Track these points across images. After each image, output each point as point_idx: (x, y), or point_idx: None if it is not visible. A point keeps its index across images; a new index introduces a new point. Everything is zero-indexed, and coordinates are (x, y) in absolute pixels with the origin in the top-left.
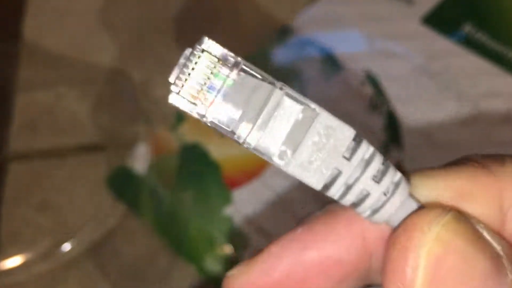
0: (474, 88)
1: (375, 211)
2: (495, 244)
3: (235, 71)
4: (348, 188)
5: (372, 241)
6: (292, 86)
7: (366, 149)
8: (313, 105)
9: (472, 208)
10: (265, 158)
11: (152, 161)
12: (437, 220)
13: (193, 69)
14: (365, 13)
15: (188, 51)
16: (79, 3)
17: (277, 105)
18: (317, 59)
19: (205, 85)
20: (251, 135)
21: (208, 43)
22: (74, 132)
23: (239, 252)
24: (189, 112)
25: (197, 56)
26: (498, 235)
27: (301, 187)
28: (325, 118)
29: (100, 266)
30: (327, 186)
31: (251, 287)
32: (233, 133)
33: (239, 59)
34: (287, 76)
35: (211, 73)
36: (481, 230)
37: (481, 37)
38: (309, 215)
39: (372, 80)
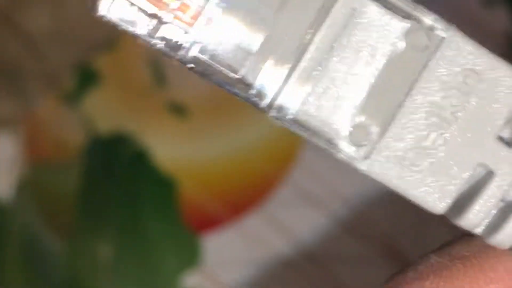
0: None
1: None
2: None
3: None
4: (509, 207)
5: None
6: None
7: None
8: (432, 19)
9: None
10: (319, 143)
11: (26, 173)
12: None
13: None
14: None
15: None
16: None
17: (348, 19)
18: None
19: None
20: (292, 89)
21: None
22: None
23: None
24: (145, 38)
25: None
26: None
27: (349, 228)
28: (462, 50)
29: None
30: (460, 207)
31: None
32: (246, 84)
33: None
34: None
35: None
36: None
37: None
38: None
39: None
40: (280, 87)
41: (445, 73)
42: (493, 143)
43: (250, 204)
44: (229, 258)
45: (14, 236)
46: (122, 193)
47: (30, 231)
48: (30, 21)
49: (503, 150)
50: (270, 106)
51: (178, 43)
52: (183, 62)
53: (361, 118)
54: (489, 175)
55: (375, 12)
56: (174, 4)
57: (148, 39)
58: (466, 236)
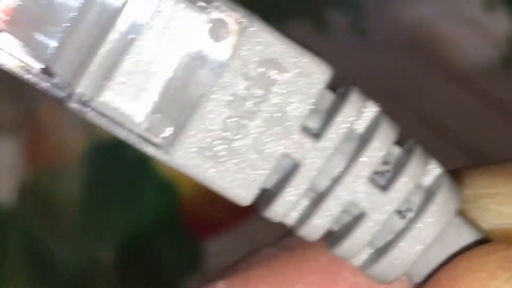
0: None
1: (380, 252)
2: None
3: None
4: (318, 199)
5: None
6: None
7: (359, 106)
8: (229, 9)
9: None
10: (120, 134)
11: (28, 177)
12: None
13: None
14: None
15: None
16: None
17: (149, 10)
18: None
19: None
20: (91, 78)
21: None
22: None
23: None
24: None
25: None
26: None
27: None
28: (263, 41)
29: None
30: (268, 197)
31: None
32: (48, 74)
33: None
34: None
35: None
36: None
37: None
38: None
39: None
40: (79, 76)
41: (245, 63)
42: (297, 134)
43: (252, 207)
44: (231, 261)
45: (16, 240)
46: (123, 197)
47: (32, 235)
48: None
49: (308, 140)
50: (70, 95)
51: None
52: None
53: (161, 107)
54: (295, 166)
55: (175, 3)
56: None
57: None
58: None
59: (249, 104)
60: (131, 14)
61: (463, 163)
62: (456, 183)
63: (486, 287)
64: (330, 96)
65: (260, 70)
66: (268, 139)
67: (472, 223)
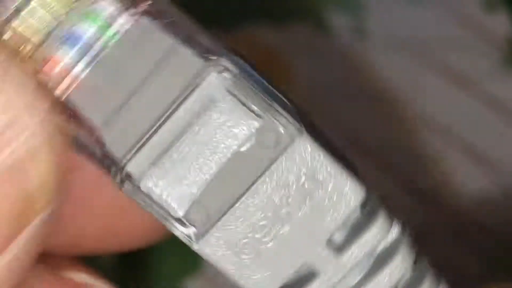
0: None
1: None
2: None
3: (130, 14)
4: None
5: None
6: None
7: (386, 228)
8: (284, 122)
9: None
10: (158, 216)
11: None
12: None
13: None
14: None
15: None
16: None
17: (204, 107)
18: None
19: (54, 30)
20: (140, 161)
21: None
22: None
23: None
24: None
25: None
26: None
27: None
28: (307, 154)
29: None
30: None
31: None
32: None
33: None
34: None
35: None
36: None
37: None
38: None
39: None
40: (131, 156)
41: (286, 174)
42: (322, 246)
43: None
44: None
45: None
46: None
47: None
48: None
49: (331, 253)
50: (119, 171)
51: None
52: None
53: (200, 201)
54: (312, 274)
55: (230, 103)
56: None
57: None
58: None
59: (282, 211)
60: (195, 101)
61: (463, 163)
62: (413, 245)
63: None
64: (358, 213)
65: (298, 181)
66: (294, 247)
67: None
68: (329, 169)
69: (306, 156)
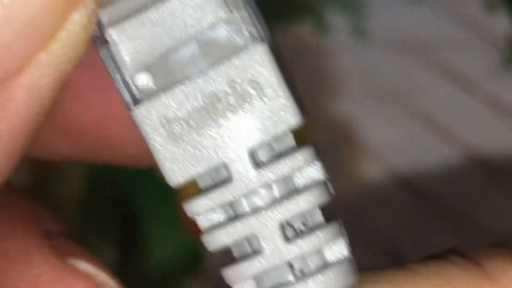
0: None
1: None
2: None
3: None
4: (231, 218)
5: None
6: None
7: (307, 162)
8: (252, 24)
9: None
10: (113, 78)
11: (29, 178)
12: None
13: None
14: None
15: None
16: None
17: None
18: None
19: None
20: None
21: None
22: None
23: None
24: None
25: None
26: None
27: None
28: (261, 63)
29: None
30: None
31: None
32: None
33: None
34: None
35: None
36: None
37: None
38: None
39: None
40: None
41: (235, 73)
42: (244, 153)
43: None
44: (231, 261)
45: None
46: (123, 197)
47: None
48: None
49: (249, 163)
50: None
51: None
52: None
53: (151, 69)
54: (229, 179)
55: None
56: None
57: None
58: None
59: (220, 107)
60: None
61: (462, 163)
62: (355, 272)
63: None
64: (290, 143)
65: (245, 84)
66: (219, 145)
67: None
68: (276, 86)
69: (260, 65)
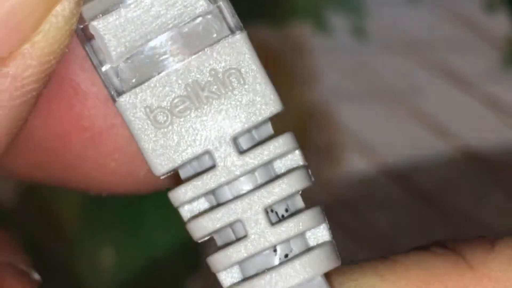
0: None
1: (247, 281)
2: None
3: None
4: (214, 206)
5: None
6: None
7: (287, 150)
8: (231, 14)
9: None
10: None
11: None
12: None
13: None
14: None
15: None
16: None
17: None
18: None
19: None
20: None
21: None
22: None
23: None
24: None
25: None
26: None
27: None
28: (240, 52)
29: None
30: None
31: None
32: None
33: None
34: None
35: None
36: None
37: None
38: None
39: None
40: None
41: (218, 62)
42: (227, 141)
43: None
44: None
45: None
46: (123, 198)
47: (31, 237)
48: None
49: (233, 151)
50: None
51: None
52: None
53: (134, 59)
54: (212, 166)
55: None
56: None
57: None
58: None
59: (203, 94)
60: None
61: (462, 163)
62: (338, 255)
63: None
64: (269, 131)
65: (226, 72)
66: (203, 132)
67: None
68: (256, 74)
69: (241, 54)
